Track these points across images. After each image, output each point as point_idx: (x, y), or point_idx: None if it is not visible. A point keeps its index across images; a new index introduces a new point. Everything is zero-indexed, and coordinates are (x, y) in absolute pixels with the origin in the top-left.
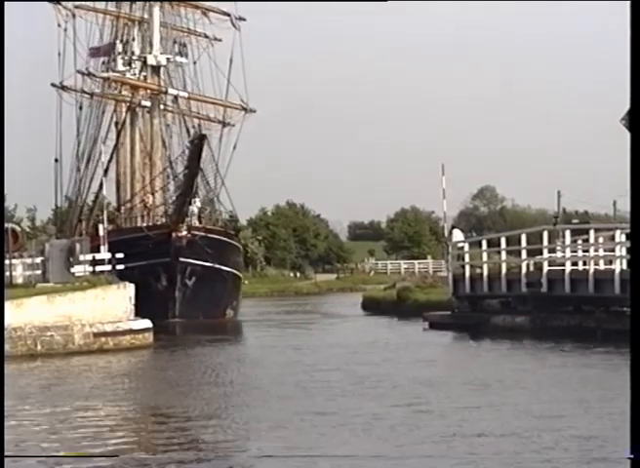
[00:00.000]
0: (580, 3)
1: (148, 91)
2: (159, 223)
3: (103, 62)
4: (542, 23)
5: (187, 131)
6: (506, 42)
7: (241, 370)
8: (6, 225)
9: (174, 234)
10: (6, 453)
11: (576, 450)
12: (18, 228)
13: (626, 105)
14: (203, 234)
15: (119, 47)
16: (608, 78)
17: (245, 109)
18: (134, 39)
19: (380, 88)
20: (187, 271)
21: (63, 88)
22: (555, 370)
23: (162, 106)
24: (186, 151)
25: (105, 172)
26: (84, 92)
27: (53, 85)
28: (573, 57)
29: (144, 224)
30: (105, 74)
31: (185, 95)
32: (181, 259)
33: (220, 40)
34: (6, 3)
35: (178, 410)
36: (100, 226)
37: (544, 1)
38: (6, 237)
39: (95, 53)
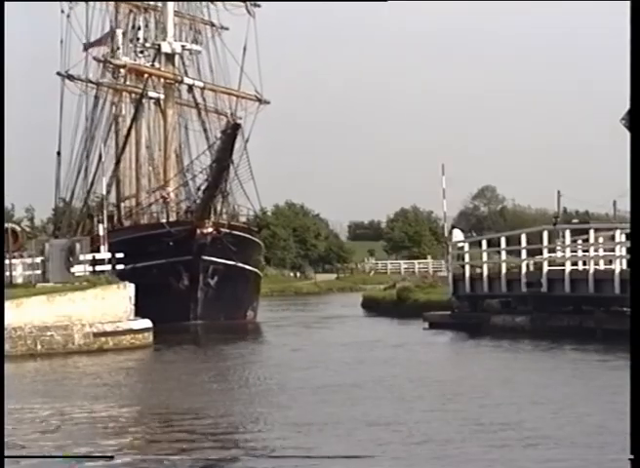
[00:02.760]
0: (580, 3)
1: (162, 80)
2: (181, 219)
3: (109, 53)
4: (543, 23)
5: (203, 123)
6: (508, 42)
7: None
8: (6, 225)
9: (198, 230)
10: (6, 454)
11: (576, 450)
12: (18, 228)
13: (626, 105)
14: (228, 231)
15: (120, 36)
16: (608, 78)
17: (259, 100)
18: (147, 26)
19: (381, 88)
20: (210, 270)
21: (69, 77)
22: (555, 370)
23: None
24: (218, 141)
25: (117, 164)
26: (90, 81)
27: (58, 74)
28: (573, 56)
29: (164, 220)
30: (122, 62)
31: (201, 84)
32: (204, 257)
33: (227, 28)
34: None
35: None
36: (100, 226)
37: (546, 1)
38: (6, 237)
39: (90, 45)
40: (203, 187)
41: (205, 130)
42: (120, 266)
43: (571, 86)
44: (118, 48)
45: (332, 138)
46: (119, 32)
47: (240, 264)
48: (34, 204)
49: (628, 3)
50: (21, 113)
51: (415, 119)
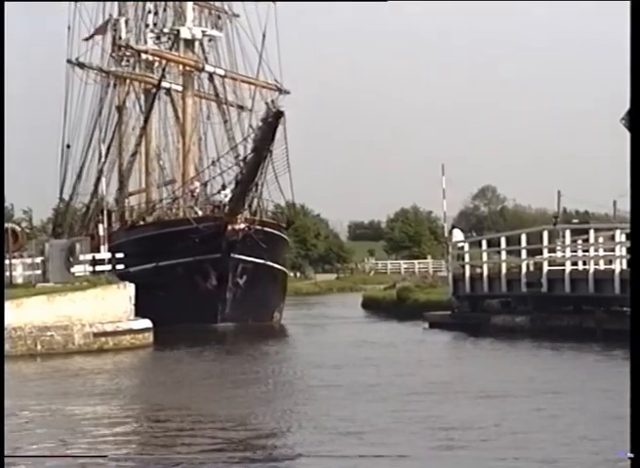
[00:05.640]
0: (580, 3)
1: (180, 68)
2: (209, 214)
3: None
4: (543, 23)
5: (223, 114)
6: (508, 42)
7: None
8: (6, 225)
9: (229, 226)
10: (6, 453)
11: (575, 450)
12: (18, 228)
13: (626, 105)
14: (259, 227)
15: (123, 24)
16: (608, 78)
17: (280, 90)
18: (165, 10)
19: (381, 88)
20: (239, 269)
21: (80, 65)
22: (555, 370)
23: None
24: (256, 131)
25: (134, 155)
26: (101, 70)
27: (69, 61)
28: (573, 56)
29: (192, 216)
30: (143, 47)
31: (222, 72)
32: (233, 255)
33: (237, 16)
34: None
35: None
36: (100, 226)
37: (545, 1)
38: (6, 237)
39: (89, 36)
40: (237, 180)
41: (225, 121)
42: (120, 266)
43: (571, 86)
44: (127, 35)
45: (332, 138)
46: (122, 20)
47: (269, 263)
48: (33, 203)
49: (628, 3)
50: (19, 111)
51: (415, 119)
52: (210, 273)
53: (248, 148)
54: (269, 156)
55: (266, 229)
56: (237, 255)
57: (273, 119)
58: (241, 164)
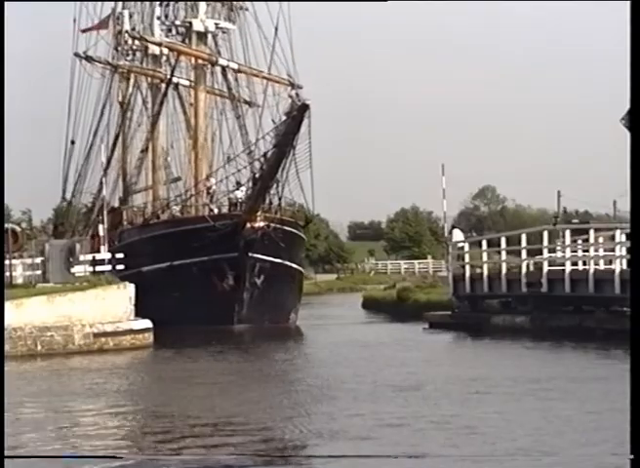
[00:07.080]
0: (580, 3)
1: (193, 61)
2: (225, 212)
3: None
4: (543, 23)
5: (236, 108)
6: (508, 42)
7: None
8: (6, 225)
9: (248, 224)
10: (6, 454)
11: (575, 450)
12: (18, 228)
13: (626, 105)
14: (279, 226)
15: (127, 17)
16: (608, 78)
17: (292, 85)
18: (176, 2)
19: (381, 87)
20: (257, 268)
21: (88, 58)
22: (555, 370)
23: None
24: (280, 125)
25: (143, 152)
26: (109, 63)
27: (76, 54)
28: (573, 56)
29: (209, 214)
30: (157, 39)
31: (235, 66)
32: (251, 255)
33: (246, 9)
34: None
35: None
36: (100, 226)
37: (546, 1)
38: (6, 237)
39: (88, 29)
40: (257, 176)
41: (238, 117)
42: (120, 266)
43: (571, 86)
44: (133, 28)
45: (332, 138)
46: (126, 13)
47: (287, 262)
48: (33, 203)
49: (628, 3)
50: (19, 111)
51: (416, 119)
52: (226, 273)
53: (262, 144)
54: (292, 151)
55: (285, 228)
56: (255, 255)
57: (299, 112)
58: (261, 160)
